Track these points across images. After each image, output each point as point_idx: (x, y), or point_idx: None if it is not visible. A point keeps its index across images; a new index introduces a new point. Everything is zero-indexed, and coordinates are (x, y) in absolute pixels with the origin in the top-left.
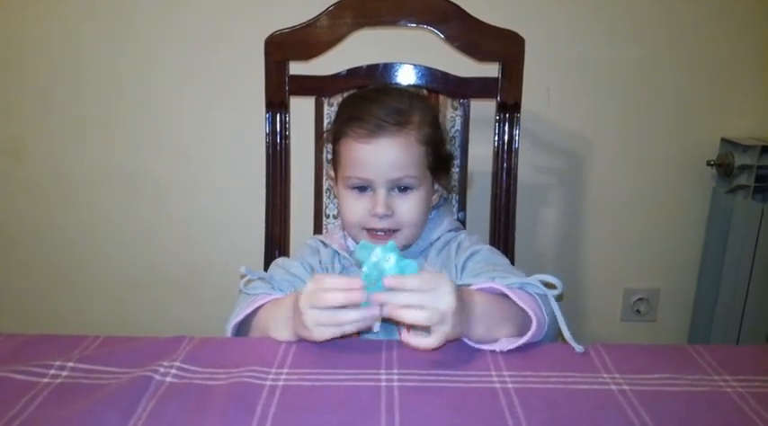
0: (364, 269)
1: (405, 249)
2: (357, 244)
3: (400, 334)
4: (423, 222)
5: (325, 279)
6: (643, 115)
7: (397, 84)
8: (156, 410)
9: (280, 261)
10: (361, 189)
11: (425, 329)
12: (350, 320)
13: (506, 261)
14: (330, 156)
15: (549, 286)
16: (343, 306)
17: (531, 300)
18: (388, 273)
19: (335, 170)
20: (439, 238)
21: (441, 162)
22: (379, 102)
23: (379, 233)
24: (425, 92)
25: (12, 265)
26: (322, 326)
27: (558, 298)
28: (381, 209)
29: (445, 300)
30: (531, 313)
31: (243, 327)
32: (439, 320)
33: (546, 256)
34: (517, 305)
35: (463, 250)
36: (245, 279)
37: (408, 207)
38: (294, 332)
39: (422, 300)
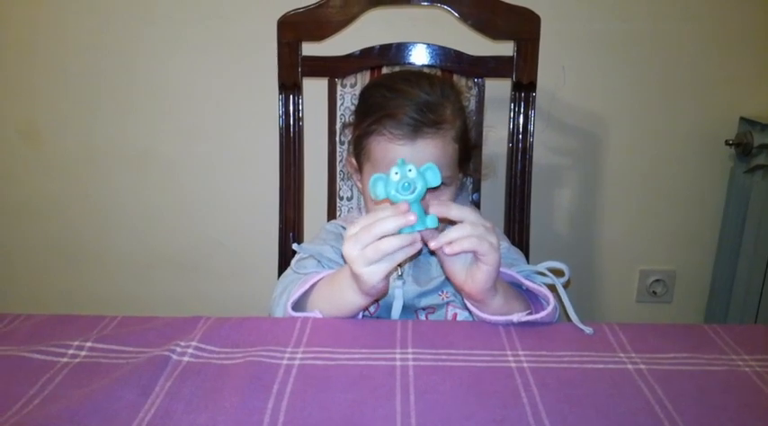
0: (392, 192)
1: None
2: None
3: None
4: None
5: (365, 217)
6: (660, 94)
7: (411, 64)
8: (173, 389)
9: (306, 248)
10: None
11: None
12: (394, 246)
13: (523, 258)
14: (352, 146)
15: (557, 272)
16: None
17: (542, 288)
18: (418, 182)
19: (361, 162)
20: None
21: (468, 153)
22: (411, 96)
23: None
24: (439, 72)
25: (26, 246)
26: (373, 265)
27: (566, 285)
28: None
29: (495, 240)
30: (547, 294)
31: (297, 307)
32: (488, 250)
33: (561, 237)
34: (530, 291)
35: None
36: (297, 257)
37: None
38: (359, 290)
39: (476, 231)
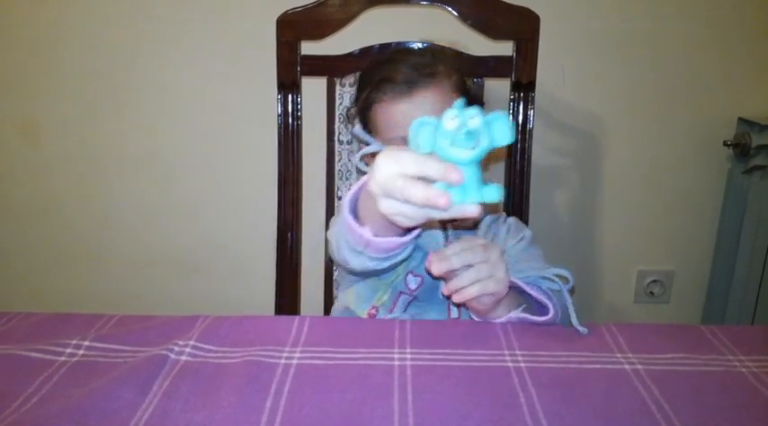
0: (445, 142)
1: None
2: None
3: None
4: None
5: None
6: (659, 94)
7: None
8: (171, 388)
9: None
10: None
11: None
12: (419, 196)
13: (541, 252)
14: (360, 132)
15: (562, 279)
16: None
17: (545, 295)
18: (482, 137)
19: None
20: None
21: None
22: (402, 61)
23: None
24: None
25: (26, 245)
26: (389, 200)
27: (571, 292)
28: None
29: (502, 272)
30: (548, 304)
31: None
32: (495, 288)
33: (559, 237)
34: (533, 298)
35: (513, 234)
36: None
37: None
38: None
39: (481, 274)
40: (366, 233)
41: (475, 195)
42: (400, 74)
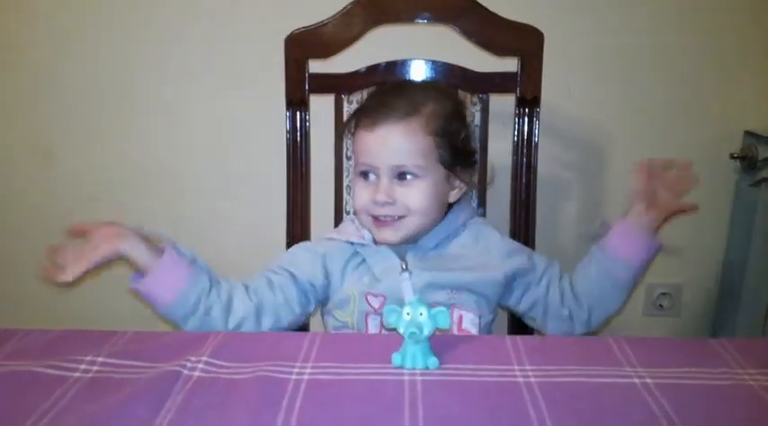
0: (401, 329)
1: (415, 240)
2: (367, 229)
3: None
4: (433, 212)
5: None
6: (664, 107)
7: (424, 80)
8: (184, 404)
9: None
10: (367, 176)
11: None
12: None
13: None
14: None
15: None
16: None
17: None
18: (426, 326)
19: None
20: (465, 224)
21: (458, 156)
22: (395, 94)
23: (382, 218)
24: (443, 85)
25: (38, 264)
26: None
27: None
28: (381, 196)
29: None
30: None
31: None
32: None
33: (566, 251)
34: None
35: (508, 246)
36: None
37: (413, 194)
38: None
39: None
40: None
41: (419, 363)
42: (381, 105)
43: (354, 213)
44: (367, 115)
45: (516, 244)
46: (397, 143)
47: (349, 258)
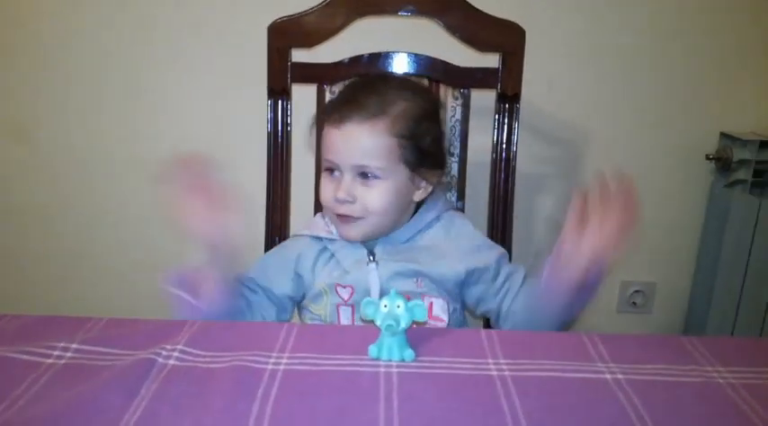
0: (378, 321)
1: (379, 237)
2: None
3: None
4: (392, 213)
5: None
6: (642, 108)
7: (404, 73)
8: (158, 392)
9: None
10: (332, 172)
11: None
12: None
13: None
14: None
15: None
16: None
17: None
18: (403, 318)
19: None
20: (438, 217)
21: (425, 158)
22: (366, 91)
23: (343, 216)
24: (426, 81)
25: (18, 248)
26: None
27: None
28: (342, 194)
29: None
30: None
31: None
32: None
33: (543, 247)
34: None
35: (478, 240)
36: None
37: (372, 195)
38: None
39: None
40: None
41: (396, 355)
42: (348, 102)
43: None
44: (335, 111)
45: (487, 242)
46: (360, 143)
47: (318, 254)
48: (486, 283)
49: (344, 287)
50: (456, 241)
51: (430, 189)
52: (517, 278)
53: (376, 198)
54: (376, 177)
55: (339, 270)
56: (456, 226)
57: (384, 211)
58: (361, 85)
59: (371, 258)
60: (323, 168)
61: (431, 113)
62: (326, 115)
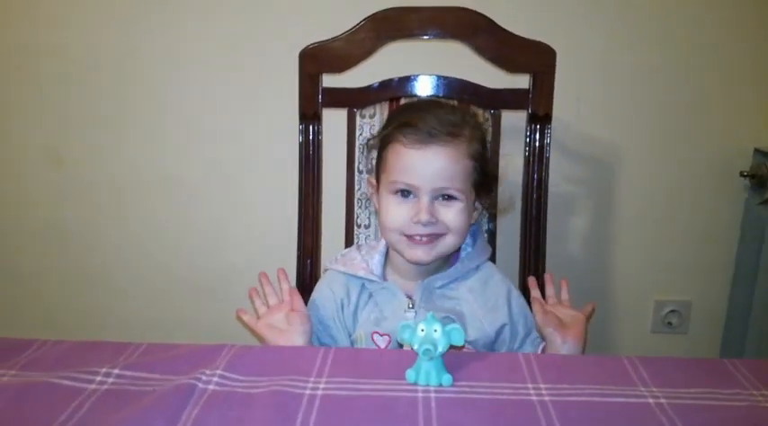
0: (415, 346)
1: (441, 268)
2: (393, 249)
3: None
4: (464, 234)
5: None
6: (674, 125)
7: (434, 95)
8: (200, 417)
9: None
10: (405, 194)
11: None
12: None
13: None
14: (371, 164)
15: None
16: None
17: None
18: (440, 343)
19: (378, 176)
20: (479, 268)
21: (485, 180)
22: (432, 113)
23: (418, 238)
24: (456, 103)
25: (48, 270)
26: None
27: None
28: (425, 216)
29: None
30: None
31: None
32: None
33: (576, 267)
34: None
35: (517, 302)
36: None
37: (453, 214)
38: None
39: None
40: None
41: (433, 380)
42: (424, 123)
43: (382, 230)
44: (412, 132)
45: (521, 305)
46: (444, 165)
47: (359, 295)
48: (504, 341)
49: (382, 335)
50: (492, 300)
51: (481, 210)
52: (530, 347)
53: (456, 216)
54: (455, 199)
55: (377, 313)
56: (493, 283)
57: (462, 230)
58: (425, 109)
59: (410, 306)
60: (390, 190)
61: (485, 137)
62: (397, 136)
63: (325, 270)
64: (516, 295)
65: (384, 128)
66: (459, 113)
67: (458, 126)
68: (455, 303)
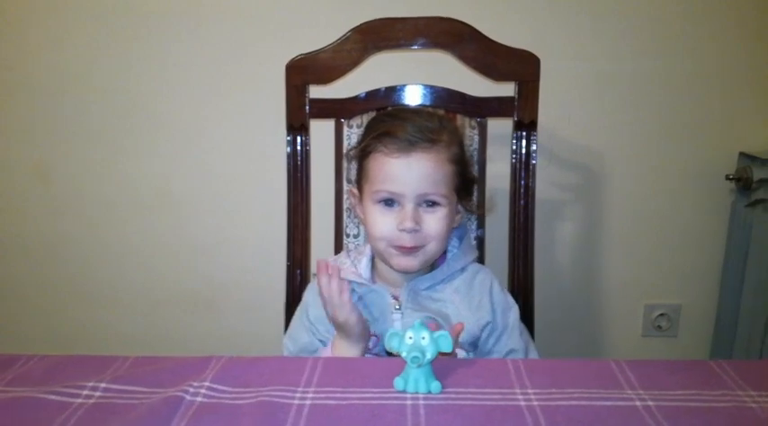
0: (403, 353)
1: (427, 270)
2: (379, 257)
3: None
4: (446, 239)
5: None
6: (660, 130)
7: (421, 105)
8: None
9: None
10: (389, 203)
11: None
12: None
13: (528, 338)
14: (354, 175)
15: None
16: None
17: None
18: (429, 350)
19: (361, 187)
20: (464, 269)
21: (466, 183)
22: (410, 120)
23: (405, 250)
24: (442, 112)
25: (38, 285)
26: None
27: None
28: (410, 223)
29: None
30: None
31: None
32: None
33: (564, 273)
34: None
35: (498, 298)
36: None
37: (435, 221)
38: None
39: None
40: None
41: (422, 387)
42: (404, 131)
43: (370, 240)
44: (392, 141)
45: (507, 302)
46: (426, 171)
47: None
48: (488, 338)
49: (372, 335)
50: (477, 300)
51: (463, 214)
52: (516, 354)
53: (437, 224)
54: (438, 204)
55: (366, 314)
56: (479, 283)
57: (442, 237)
58: (402, 117)
59: (397, 307)
60: (374, 200)
61: (463, 141)
62: (379, 147)
63: (314, 274)
64: (498, 290)
65: (363, 138)
66: (436, 119)
67: (436, 131)
68: (441, 305)
